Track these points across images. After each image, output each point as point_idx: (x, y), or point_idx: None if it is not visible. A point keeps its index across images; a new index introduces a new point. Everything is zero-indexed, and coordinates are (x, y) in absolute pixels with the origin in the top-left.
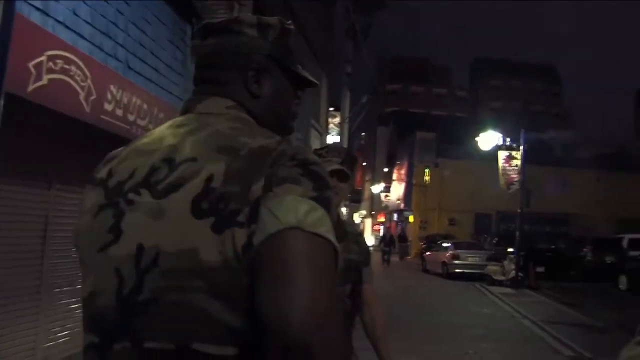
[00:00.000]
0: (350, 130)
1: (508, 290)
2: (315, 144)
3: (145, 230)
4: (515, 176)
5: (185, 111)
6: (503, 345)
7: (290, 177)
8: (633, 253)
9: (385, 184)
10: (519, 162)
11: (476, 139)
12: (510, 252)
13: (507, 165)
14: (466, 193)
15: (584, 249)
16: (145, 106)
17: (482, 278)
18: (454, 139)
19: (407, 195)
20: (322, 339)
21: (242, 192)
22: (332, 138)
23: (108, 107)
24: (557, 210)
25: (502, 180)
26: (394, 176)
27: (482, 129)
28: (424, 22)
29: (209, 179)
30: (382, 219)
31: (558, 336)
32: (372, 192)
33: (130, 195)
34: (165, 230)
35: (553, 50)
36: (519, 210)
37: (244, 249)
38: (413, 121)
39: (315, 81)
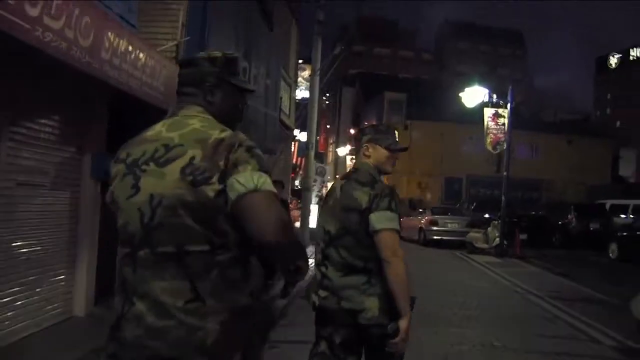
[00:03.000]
0: (321, 84)
1: (493, 259)
2: (284, 98)
3: (154, 186)
4: (501, 136)
5: (172, 115)
6: (525, 329)
7: (244, 159)
8: (618, 220)
9: (352, 146)
10: (505, 121)
11: (460, 94)
12: (488, 218)
13: (493, 123)
14: (436, 156)
15: (569, 216)
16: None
17: (462, 245)
18: (421, 101)
19: None
20: (282, 239)
21: (212, 166)
22: (301, 93)
23: None
24: (528, 176)
25: (487, 140)
26: None
27: (452, 90)
28: None
29: (192, 158)
30: None
31: (580, 316)
32: (336, 155)
33: (143, 167)
34: (166, 185)
35: (520, 16)
36: (504, 173)
37: (216, 195)
38: (379, 82)
39: (252, 88)
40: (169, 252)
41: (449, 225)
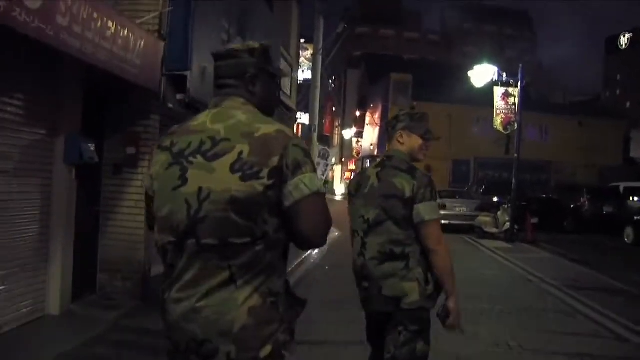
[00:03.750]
0: (324, 65)
1: (503, 244)
2: (285, 78)
3: (203, 179)
4: (512, 116)
5: (215, 106)
6: (542, 325)
7: (304, 160)
8: (633, 203)
9: (358, 128)
10: (516, 100)
11: (469, 73)
12: (497, 201)
13: (503, 103)
14: (443, 138)
15: (581, 199)
16: None
17: (471, 230)
18: (428, 82)
19: (381, 140)
20: (324, 241)
21: (261, 161)
22: (304, 74)
23: None
24: (538, 157)
25: (497, 121)
26: (367, 120)
27: (460, 71)
28: None
29: (240, 153)
30: (352, 166)
31: (601, 309)
32: (342, 138)
33: (190, 159)
34: (215, 180)
35: None
36: (515, 155)
37: (265, 190)
38: (385, 63)
39: (286, 74)
40: (211, 244)
41: (458, 209)
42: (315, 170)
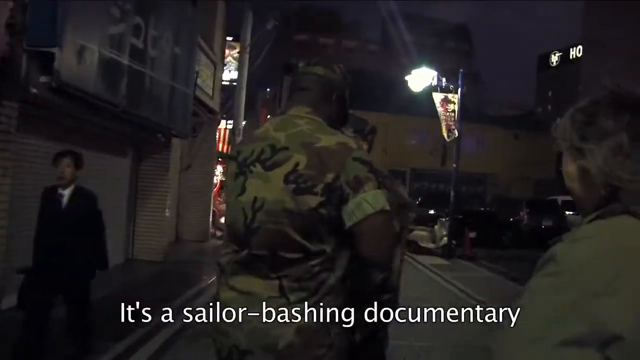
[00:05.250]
0: (253, 65)
1: (441, 261)
2: (207, 75)
3: (258, 189)
4: (451, 123)
5: (282, 113)
6: None
7: (366, 176)
8: (574, 218)
9: None
10: (455, 107)
11: (406, 77)
12: (434, 214)
13: (442, 110)
14: (378, 148)
15: (520, 212)
16: None
17: (406, 244)
18: (365, 91)
19: None
20: (389, 259)
21: (317, 175)
22: (230, 74)
23: None
24: (474, 170)
25: (443, 129)
26: None
27: (398, 81)
28: None
29: (297, 164)
30: None
31: None
32: None
33: (251, 167)
34: (269, 190)
35: (465, 9)
36: (454, 166)
37: (318, 206)
38: None
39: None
40: (261, 255)
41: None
42: (379, 186)
